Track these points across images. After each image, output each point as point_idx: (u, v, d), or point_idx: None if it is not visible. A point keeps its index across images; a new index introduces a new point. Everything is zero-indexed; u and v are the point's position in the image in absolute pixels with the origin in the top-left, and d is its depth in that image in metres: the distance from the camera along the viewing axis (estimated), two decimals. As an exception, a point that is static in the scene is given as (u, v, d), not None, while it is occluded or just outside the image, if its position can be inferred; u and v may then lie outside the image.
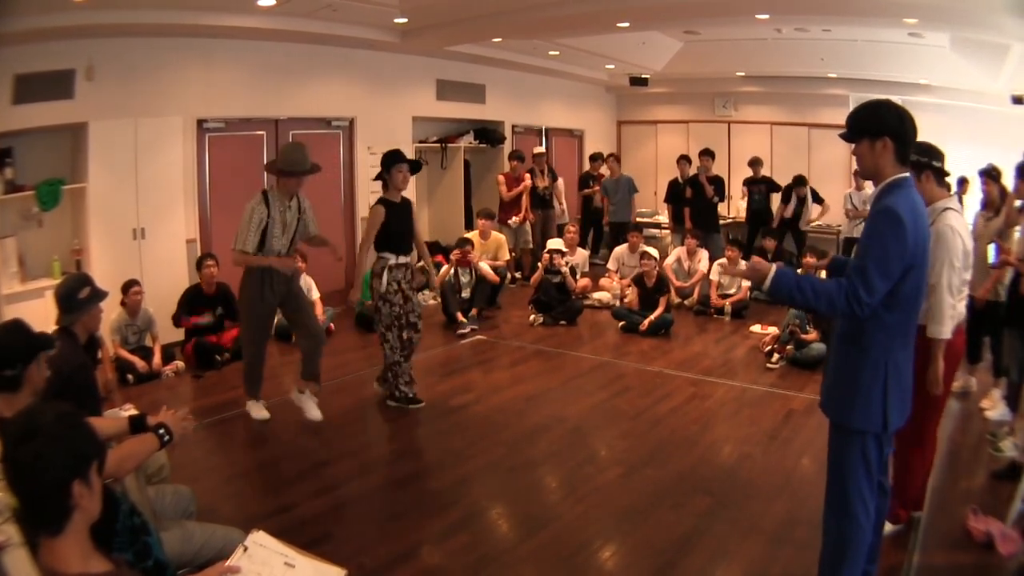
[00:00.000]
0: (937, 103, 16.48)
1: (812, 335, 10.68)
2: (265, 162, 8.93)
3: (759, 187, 16.86)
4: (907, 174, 4.29)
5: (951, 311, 5.42)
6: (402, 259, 9.06)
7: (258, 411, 8.81)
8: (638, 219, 17.53)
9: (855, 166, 14.57)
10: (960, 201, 12.03)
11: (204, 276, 11.06)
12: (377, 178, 9.11)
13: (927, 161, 5.54)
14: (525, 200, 16.45)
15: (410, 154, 14.30)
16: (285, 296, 8.52)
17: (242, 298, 8.59)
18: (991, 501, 6.42)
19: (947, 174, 5.78)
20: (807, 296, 4.18)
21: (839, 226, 16.54)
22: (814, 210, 16.55)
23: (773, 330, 11.54)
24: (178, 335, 11.10)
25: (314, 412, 8.66)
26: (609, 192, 17.77)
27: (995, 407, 8.65)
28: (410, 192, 13.08)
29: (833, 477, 4.55)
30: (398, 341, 9.05)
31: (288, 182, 8.22)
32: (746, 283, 13.66)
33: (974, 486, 6.99)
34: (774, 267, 4.24)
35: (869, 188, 14.58)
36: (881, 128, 4.23)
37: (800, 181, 16.56)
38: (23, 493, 2.73)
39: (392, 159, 8.91)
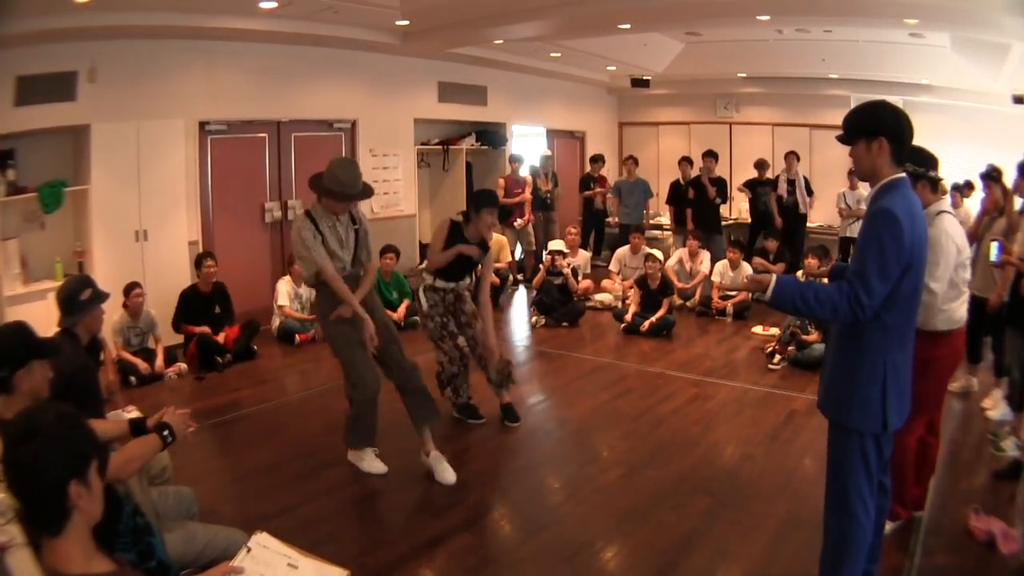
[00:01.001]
0: (938, 103, 16.51)
1: (813, 336, 10.68)
2: (310, 178, 7.85)
3: (764, 189, 16.73)
4: (903, 175, 4.31)
5: (936, 313, 5.47)
6: (449, 284, 8.49)
7: (371, 462, 7.59)
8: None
9: (850, 166, 14.72)
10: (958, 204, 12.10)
11: (203, 276, 11.10)
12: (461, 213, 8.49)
13: (924, 172, 5.58)
14: (527, 203, 16.46)
15: (412, 155, 14.49)
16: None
17: (327, 330, 7.45)
18: (992, 501, 6.44)
19: (940, 180, 5.83)
20: (810, 304, 4.19)
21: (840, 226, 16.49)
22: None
23: (776, 331, 11.53)
24: (180, 337, 11.11)
25: (447, 475, 7.33)
26: (623, 193, 17.86)
27: (996, 407, 8.65)
28: (412, 194, 13.03)
29: (833, 477, 4.56)
30: (456, 351, 8.52)
31: (335, 205, 7.01)
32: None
33: (975, 486, 6.99)
34: (775, 277, 4.25)
35: (862, 188, 14.76)
36: (878, 128, 4.25)
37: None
38: (22, 494, 2.75)
39: (483, 203, 8.30)
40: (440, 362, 8.70)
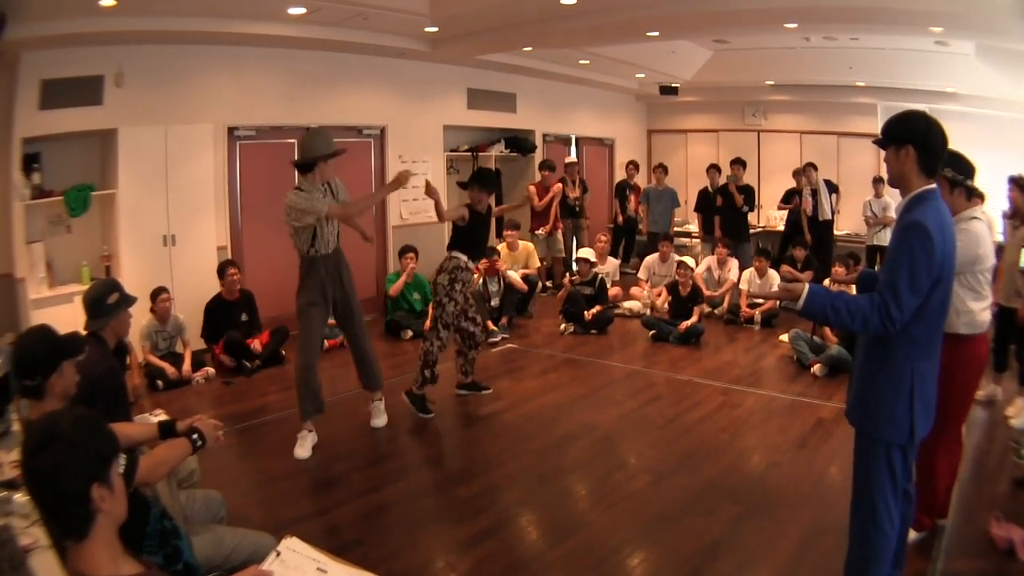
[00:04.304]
0: (963, 111, 16.41)
1: (832, 339, 10.86)
2: (295, 163, 8.64)
3: (796, 199, 16.72)
4: (934, 186, 4.32)
5: (960, 306, 5.50)
6: (471, 264, 9.26)
7: (302, 445, 8.12)
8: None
9: (875, 174, 14.74)
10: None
11: (226, 284, 11.13)
12: (463, 187, 9.75)
13: (961, 180, 5.62)
14: (554, 210, 16.45)
15: (441, 162, 14.52)
16: (339, 296, 8.37)
17: (299, 294, 8.26)
18: (1014, 508, 6.43)
19: (976, 190, 5.82)
20: (841, 315, 4.20)
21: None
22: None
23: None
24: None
25: (378, 419, 8.93)
26: (651, 200, 17.85)
27: (1020, 415, 8.65)
28: (440, 201, 13.06)
29: (859, 485, 4.59)
30: (446, 341, 9.21)
31: (323, 167, 7.93)
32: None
33: (998, 493, 6.97)
34: (807, 287, 4.26)
35: (887, 196, 14.85)
36: (907, 136, 4.28)
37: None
38: (44, 502, 2.74)
39: (477, 180, 9.59)
40: (432, 347, 9.13)
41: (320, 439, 8.34)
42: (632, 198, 18.43)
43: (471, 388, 9.94)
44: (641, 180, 19.52)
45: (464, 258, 9.14)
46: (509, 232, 14.88)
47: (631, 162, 19.00)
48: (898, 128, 4.35)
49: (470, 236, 9.25)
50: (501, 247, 14.60)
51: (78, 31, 9.43)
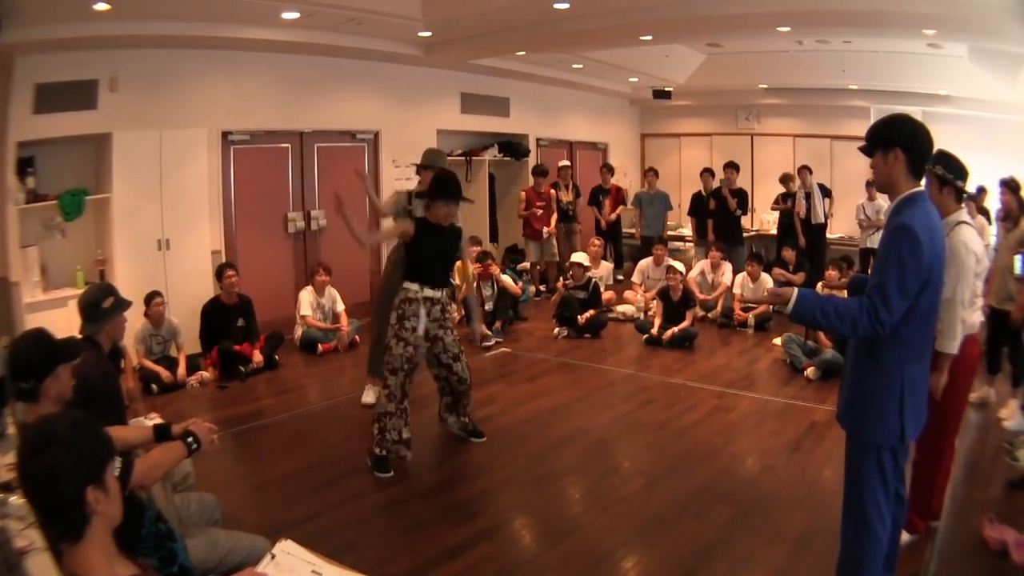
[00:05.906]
0: (956, 114, 16.53)
1: (826, 344, 10.89)
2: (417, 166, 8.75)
3: (786, 202, 16.74)
4: (921, 188, 4.36)
5: (962, 326, 5.46)
6: (429, 292, 7.60)
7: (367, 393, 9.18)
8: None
9: (868, 177, 14.71)
10: (983, 212, 12.05)
11: (224, 286, 11.11)
12: (419, 196, 8.48)
13: (952, 179, 5.60)
14: (554, 212, 16.48)
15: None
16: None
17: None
18: (1007, 510, 6.46)
19: (965, 192, 5.84)
20: (830, 318, 4.22)
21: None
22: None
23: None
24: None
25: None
26: (644, 204, 17.79)
27: (1013, 417, 8.66)
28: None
29: (850, 487, 4.60)
30: (399, 390, 7.56)
31: (425, 176, 8.41)
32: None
33: (991, 495, 6.99)
34: (796, 291, 4.27)
35: (881, 199, 14.69)
36: (893, 139, 4.30)
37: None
38: (40, 505, 2.73)
39: (441, 191, 7.55)
40: (379, 399, 7.81)
41: (314, 443, 8.43)
42: (607, 203, 18.22)
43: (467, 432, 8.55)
44: (625, 183, 19.58)
45: (415, 287, 7.55)
46: (474, 248, 14.70)
47: (604, 165, 18.90)
48: (884, 132, 4.37)
49: (419, 256, 7.62)
50: (459, 264, 14.57)
51: (73, 35, 9.44)
